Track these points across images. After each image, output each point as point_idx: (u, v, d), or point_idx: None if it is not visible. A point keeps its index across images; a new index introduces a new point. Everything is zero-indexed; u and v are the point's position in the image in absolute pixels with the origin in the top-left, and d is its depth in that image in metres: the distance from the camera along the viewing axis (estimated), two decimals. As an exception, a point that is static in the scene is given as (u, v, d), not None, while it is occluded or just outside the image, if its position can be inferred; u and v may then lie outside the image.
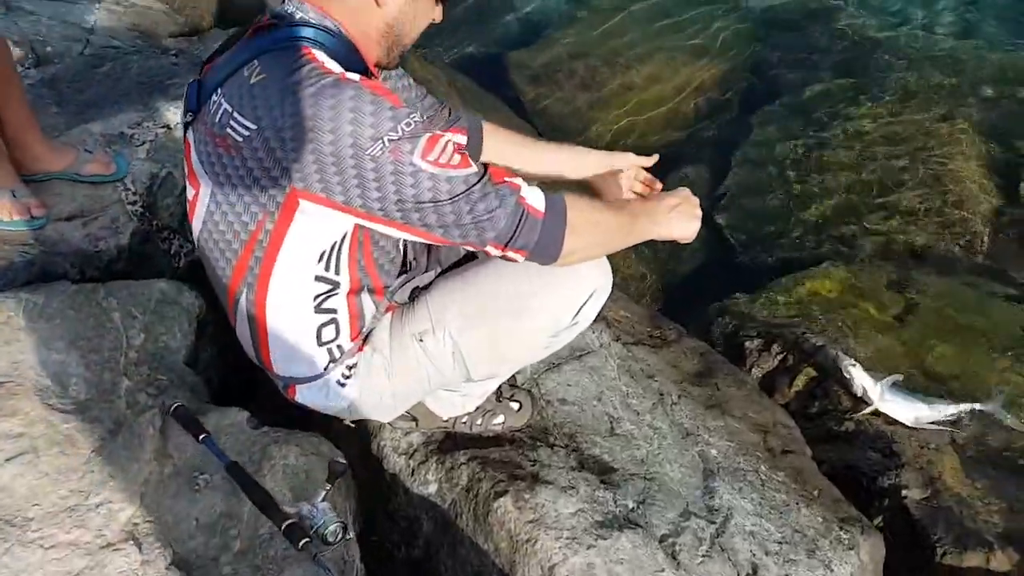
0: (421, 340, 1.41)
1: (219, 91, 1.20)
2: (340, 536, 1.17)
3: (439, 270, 1.51)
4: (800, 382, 2.50)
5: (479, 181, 1.16)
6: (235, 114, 1.16)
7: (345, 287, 1.31)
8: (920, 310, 2.86)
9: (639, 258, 3.43)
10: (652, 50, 4.76)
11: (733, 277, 3.33)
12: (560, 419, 1.80)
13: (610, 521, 1.57)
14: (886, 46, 4.59)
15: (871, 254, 3.33)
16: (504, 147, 1.68)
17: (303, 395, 1.46)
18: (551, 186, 1.33)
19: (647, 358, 2.10)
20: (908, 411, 2.32)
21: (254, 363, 1.46)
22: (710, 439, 1.89)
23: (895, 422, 2.33)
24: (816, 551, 1.68)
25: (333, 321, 1.34)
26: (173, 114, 2.34)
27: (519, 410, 1.75)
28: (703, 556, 1.59)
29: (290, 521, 1.18)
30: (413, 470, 1.66)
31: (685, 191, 1.46)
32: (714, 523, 1.67)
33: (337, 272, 1.28)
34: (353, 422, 1.67)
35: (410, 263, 1.46)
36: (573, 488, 1.62)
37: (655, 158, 1.68)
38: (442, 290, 1.43)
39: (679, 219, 1.42)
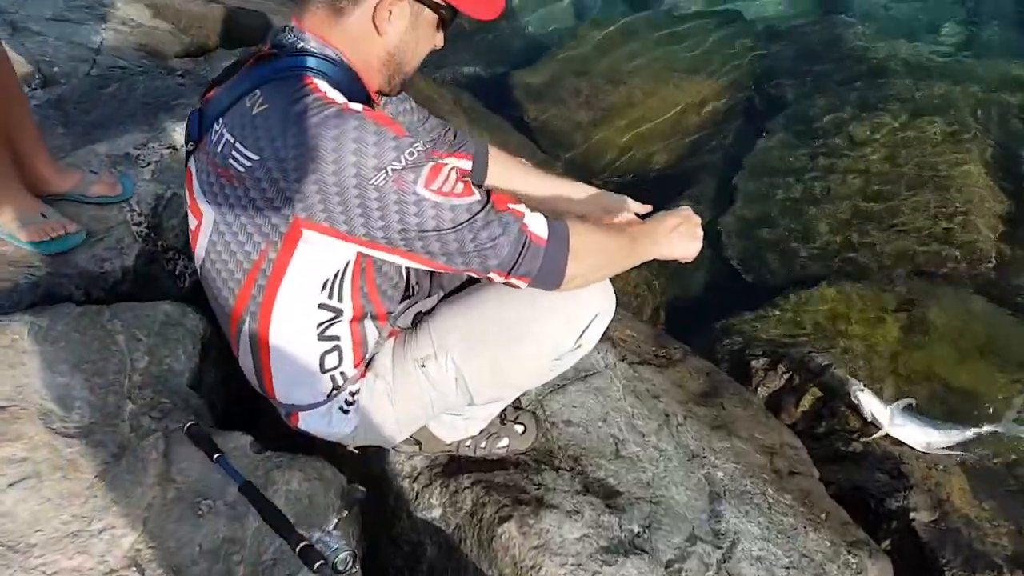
0: (423, 365, 1.40)
1: (221, 121, 1.20)
2: (350, 564, 1.16)
3: (442, 294, 1.51)
4: (807, 402, 2.49)
5: (482, 209, 1.16)
6: (237, 144, 1.16)
7: (348, 314, 1.31)
8: (927, 327, 2.85)
9: (643, 277, 3.41)
10: (654, 67, 4.77)
11: (738, 295, 3.31)
12: (565, 441, 1.79)
13: (615, 546, 1.56)
14: (890, 59, 4.58)
15: (877, 271, 3.31)
16: (510, 172, 1.68)
17: (306, 422, 1.45)
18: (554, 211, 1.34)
19: (652, 378, 2.09)
20: (919, 436, 2.30)
21: (257, 391, 1.46)
22: (716, 461, 1.88)
23: (903, 443, 2.31)
24: (824, 576, 1.66)
25: (336, 348, 1.34)
26: (179, 135, 2.34)
27: (523, 433, 1.74)
28: (709, 582, 1.57)
29: (305, 543, 1.16)
30: (417, 494, 1.66)
31: (687, 210, 1.46)
32: (720, 548, 1.65)
33: (340, 300, 1.28)
34: (357, 447, 1.67)
35: (413, 288, 1.46)
36: (578, 512, 1.61)
37: (649, 208, 1.67)
38: (444, 315, 1.43)
39: (680, 239, 1.42)
